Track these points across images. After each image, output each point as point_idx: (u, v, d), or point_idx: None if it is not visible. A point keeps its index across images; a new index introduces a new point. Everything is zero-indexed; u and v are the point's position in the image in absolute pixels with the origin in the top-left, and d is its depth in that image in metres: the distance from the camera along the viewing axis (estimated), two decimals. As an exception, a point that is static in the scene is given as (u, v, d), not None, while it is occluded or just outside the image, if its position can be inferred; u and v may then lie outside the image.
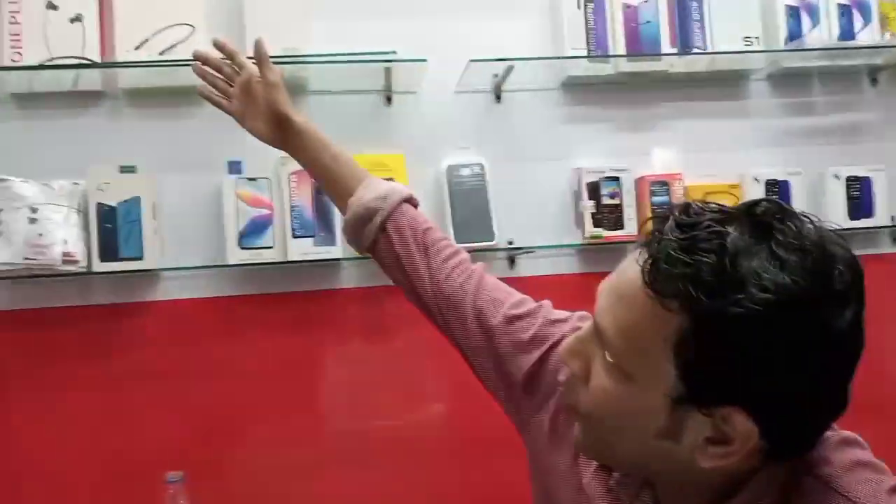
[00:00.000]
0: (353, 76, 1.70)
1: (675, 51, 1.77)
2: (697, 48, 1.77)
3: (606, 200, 1.77)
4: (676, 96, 1.86)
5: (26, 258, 1.53)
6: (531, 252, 1.77)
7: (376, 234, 1.01)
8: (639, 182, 1.79)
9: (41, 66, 1.60)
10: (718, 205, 0.65)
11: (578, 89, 1.84)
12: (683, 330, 0.60)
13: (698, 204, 0.64)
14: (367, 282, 1.74)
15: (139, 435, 1.64)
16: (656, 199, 1.77)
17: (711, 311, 0.58)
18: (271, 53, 1.59)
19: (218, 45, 1.11)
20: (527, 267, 1.81)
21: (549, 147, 1.83)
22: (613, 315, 0.66)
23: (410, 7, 1.79)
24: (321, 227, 1.66)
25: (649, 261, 0.62)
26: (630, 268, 0.65)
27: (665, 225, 0.63)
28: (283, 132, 1.07)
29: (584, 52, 1.77)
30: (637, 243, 0.66)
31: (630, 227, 1.77)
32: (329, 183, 1.08)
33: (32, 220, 1.54)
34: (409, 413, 1.75)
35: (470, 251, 1.66)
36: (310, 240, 1.66)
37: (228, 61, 1.10)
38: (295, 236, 1.65)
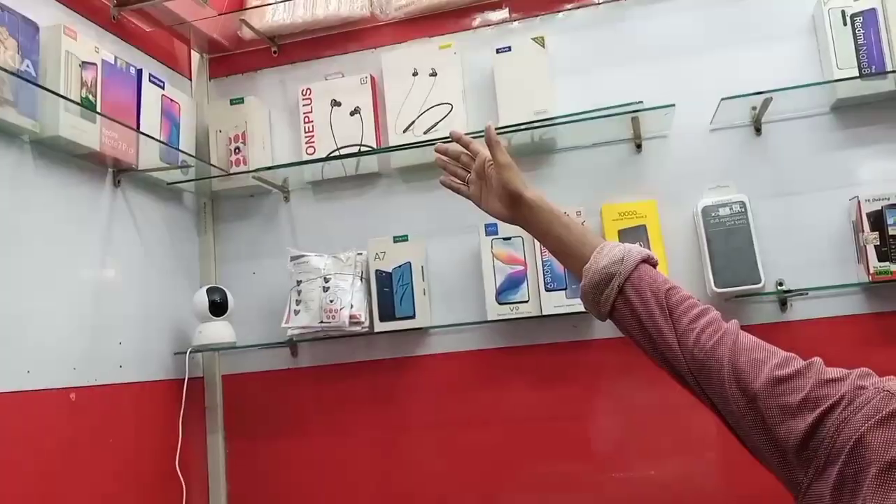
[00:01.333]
0: (600, 129, 1.72)
1: (973, 53, 1.53)
2: None
3: (894, 231, 1.56)
4: (979, 104, 1.60)
5: (321, 321, 1.76)
6: (804, 294, 1.61)
7: (615, 299, 0.99)
8: (936, 207, 1.54)
9: (330, 158, 1.87)
10: None
11: (852, 111, 1.66)
12: None
13: None
14: (620, 332, 1.72)
15: (414, 476, 1.80)
16: (959, 224, 1.52)
17: None
18: (521, 120, 1.73)
19: (454, 137, 1.20)
20: (802, 310, 1.65)
21: (820, 177, 1.67)
22: None
23: (653, 51, 1.78)
24: (572, 279, 1.68)
25: None
26: None
27: None
28: (516, 209, 1.11)
29: (855, 72, 1.60)
30: None
31: (927, 260, 1.54)
32: (564, 253, 1.08)
33: (325, 289, 1.78)
34: (673, 463, 1.67)
35: (735, 296, 1.62)
36: (562, 292, 1.69)
37: (465, 150, 1.19)
38: (547, 289, 1.70)
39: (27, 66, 1.41)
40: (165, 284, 1.84)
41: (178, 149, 1.78)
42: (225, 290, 1.82)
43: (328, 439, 1.86)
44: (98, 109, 1.55)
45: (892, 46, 1.58)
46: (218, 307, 1.79)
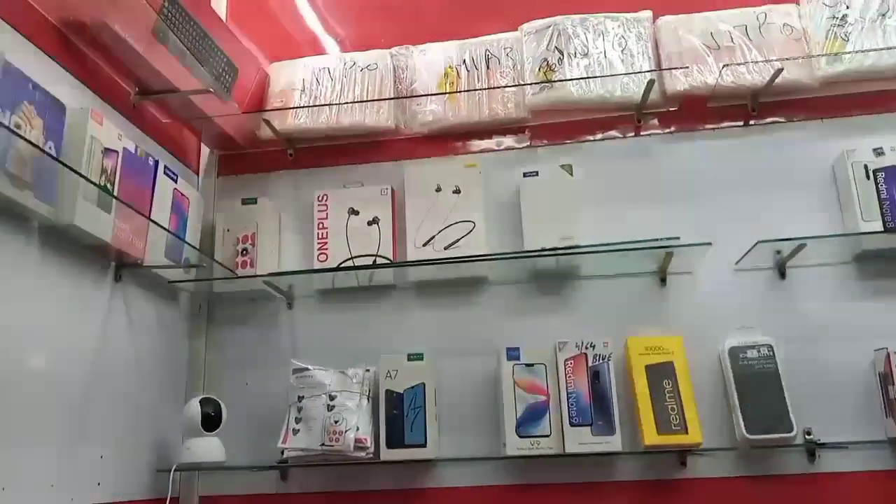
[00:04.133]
0: (626, 260, 1.69)
1: None
2: None
3: (924, 386, 1.55)
4: None
5: (323, 444, 1.62)
6: (844, 447, 1.56)
7: None
8: (964, 364, 1.55)
9: (347, 267, 1.79)
10: None
11: (875, 262, 1.69)
12: None
13: None
14: (646, 475, 1.64)
15: None
16: None
17: None
18: (546, 244, 1.69)
19: None
20: (829, 462, 1.60)
21: (844, 326, 1.66)
22: None
23: (676, 187, 1.80)
24: (598, 414, 1.60)
25: None
26: None
27: None
28: None
29: (879, 224, 1.63)
30: None
31: (956, 417, 1.52)
32: None
33: (330, 408, 1.65)
34: None
35: (764, 445, 1.55)
36: (587, 428, 1.60)
37: None
38: (572, 424, 1.60)
39: (49, 147, 1.31)
40: (153, 391, 1.68)
41: (195, 247, 1.68)
42: (219, 402, 1.67)
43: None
44: (114, 200, 1.44)
45: (914, 202, 1.63)
46: (211, 421, 1.63)
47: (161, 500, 1.56)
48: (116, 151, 1.48)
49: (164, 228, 1.58)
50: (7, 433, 1.22)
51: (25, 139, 1.20)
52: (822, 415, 1.60)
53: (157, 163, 1.63)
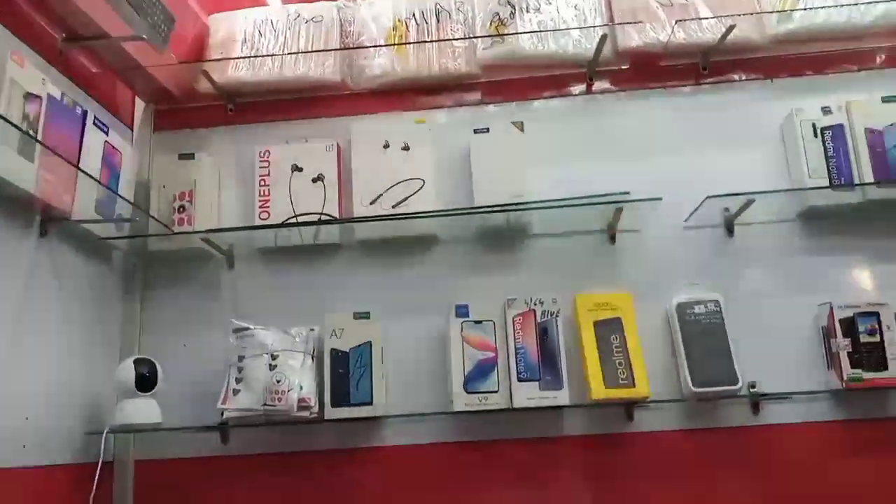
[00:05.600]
0: (576, 217, 1.67)
1: (935, 173, 1.60)
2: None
3: (865, 338, 1.56)
4: (941, 221, 1.67)
5: (265, 404, 1.57)
6: (787, 398, 1.58)
7: None
8: (904, 318, 1.57)
9: (291, 224, 1.72)
10: None
11: (820, 220, 1.70)
12: None
13: None
14: (592, 429, 1.64)
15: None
16: (928, 336, 1.55)
17: None
18: (496, 201, 1.66)
19: None
20: (773, 414, 1.62)
21: (790, 281, 1.68)
22: None
23: (626, 146, 1.78)
24: (546, 370, 1.59)
25: None
26: None
27: None
28: None
29: (825, 181, 1.64)
30: None
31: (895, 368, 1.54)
32: None
33: (272, 367, 1.60)
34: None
35: (711, 397, 1.56)
36: (535, 383, 1.58)
37: None
38: (520, 380, 1.58)
39: (-38, 87, 1.23)
40: (83, 352, 1.60)
41: (128, 200, 1.60)
42: (155, 362, 1.60)
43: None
44: (37, 149, 1.36)
45: (858, 161, 1.64)
46: (145, 381, 1.56)
47: (92, 465, 1.48)
48: (40, 97, 1.39)
49: (95, 179, 1.50)
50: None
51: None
52: (768, 369, 1.61)
53: (85, 113, 1.54)
